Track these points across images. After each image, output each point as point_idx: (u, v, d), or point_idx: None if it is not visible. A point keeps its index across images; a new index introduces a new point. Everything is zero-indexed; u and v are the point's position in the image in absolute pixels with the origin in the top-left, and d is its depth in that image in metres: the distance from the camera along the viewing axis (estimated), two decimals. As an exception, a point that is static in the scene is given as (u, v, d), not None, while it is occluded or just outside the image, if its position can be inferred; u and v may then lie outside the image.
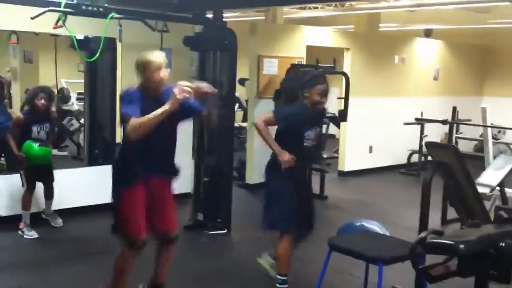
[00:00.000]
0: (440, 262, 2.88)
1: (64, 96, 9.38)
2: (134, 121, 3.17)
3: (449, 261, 2.84)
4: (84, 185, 6.06)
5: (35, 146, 5.28)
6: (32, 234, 5.33)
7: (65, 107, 9.21)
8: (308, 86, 4.14)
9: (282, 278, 4.14)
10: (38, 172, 5.44)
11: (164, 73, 3.39)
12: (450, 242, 2.37)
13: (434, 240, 2.42)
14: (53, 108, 5.72)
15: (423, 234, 2.54)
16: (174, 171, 3.66)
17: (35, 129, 5.41)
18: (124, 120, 3.26)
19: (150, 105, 3.25)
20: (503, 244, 2.37)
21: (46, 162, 5.48)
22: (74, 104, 9.51)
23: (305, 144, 4.13)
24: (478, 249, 2.38)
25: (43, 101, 5.38)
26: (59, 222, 5.67)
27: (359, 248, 3.35)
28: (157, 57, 3.42)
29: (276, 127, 4.19)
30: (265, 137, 4.09)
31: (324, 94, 4.11)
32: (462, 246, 2.31)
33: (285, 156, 3.95)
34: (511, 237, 2.43)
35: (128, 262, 3.53)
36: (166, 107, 3.19)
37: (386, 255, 3.23)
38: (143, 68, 3.38)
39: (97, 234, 5.32)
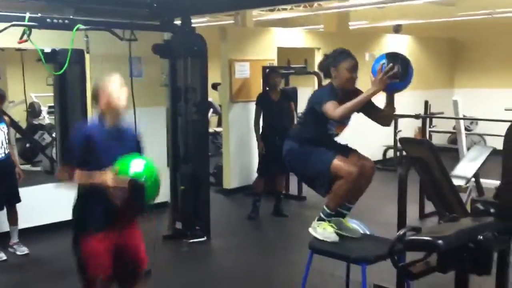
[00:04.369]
0: (420, 258, 2.89)
1: (34, 110, 9.23)
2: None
3: (428, 257, 2.85)
4: (58, 200, 5.95)
5: None
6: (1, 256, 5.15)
7: (36, 122, 9.06)
8: (334, 64, 3.66)
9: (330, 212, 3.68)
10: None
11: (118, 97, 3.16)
12: (428, 238, 2.37)
13: (412, 237, 2.42)
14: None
15: (401, 232, 2.54)
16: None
17: None
18: None
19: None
20: (481, 237, 2.37)
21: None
22: (45, 118, 9.36)
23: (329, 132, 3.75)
24: (457, 243, 2.38)
25: None
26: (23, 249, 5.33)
27: (341, 249, 3.34)
28: (111, 81, 3.21)
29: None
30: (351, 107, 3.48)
31: (354, 69, 3.62)
32: (440, 241, 2.30)
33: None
34: (489, 230, 2.45)
35: None
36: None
37: (369, 255, 3.22)
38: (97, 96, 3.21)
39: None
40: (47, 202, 5.85)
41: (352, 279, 3.76)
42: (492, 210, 2.68)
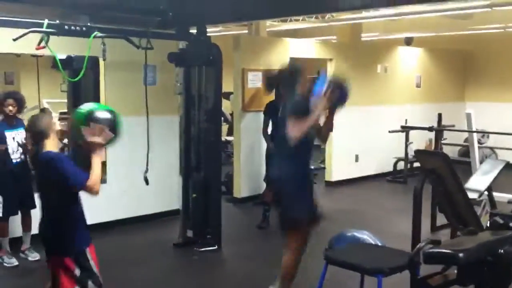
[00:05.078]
0: (438, 271, 2.87)
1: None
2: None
3: (447, 270, 2.83)
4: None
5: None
6: (13, 262, 5.14)
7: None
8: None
9: None
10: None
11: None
12: (449, 251, 2.37)
13: (433, 250, 2.41)
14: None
15: (421, 244, 2.53)
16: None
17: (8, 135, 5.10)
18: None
19: None
20: (502, 251, 2.37)
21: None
22: (57, 124, 9.38)
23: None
24: (477, 257, 2.37)
25: (10, 107, 5.09)
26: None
27: (357, 260, 3.32)
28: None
29: None
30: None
31: None
32: (461, 254, 2.30)
33: None
34: (509, 244, 2.44)
35: None
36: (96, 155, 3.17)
37: (385, 267, 3.20)
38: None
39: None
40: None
41: (366, 291, 3.74)
42: (511, 224, 2.66)
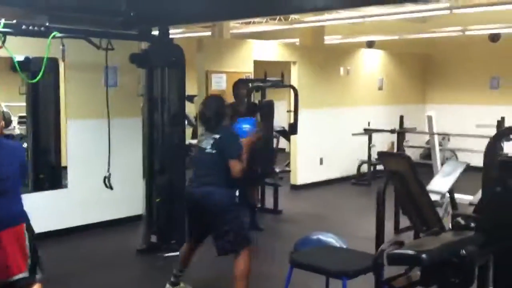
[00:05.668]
0: (402, 273, 2.88)
1: (5, 120, 8.99)
2: None
3: (410, 271, 2.85)
4: (29, 212, 5.80)
5: None
6: None
7: (6, 132, 8.84)
8: None
9: None
10: None
11: None
12: (412, 252, 2.37)
13: (396, 251, 2.41)
14: None
15: (384, 246, 2.53)
16: None
17: None
18: None
19: None
20: (464, 252, 2.38)
21: None
22: (16, 128, 9.16)
23: None
24: (440, 257, 2.38)
25: None
26: None
27: (322, 263, 3.31)
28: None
29: None
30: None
31: None
32: (424, 255, 2.30)
33: None
34: (471, 244, 2.45)
35: None
36: None
37: (350, 269, 3.20)
38: None
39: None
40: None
41: (330, 293, 3.73)
42: (473, 225, 2.69)
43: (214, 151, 4.10)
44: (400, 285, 2.68)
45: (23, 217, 3.25)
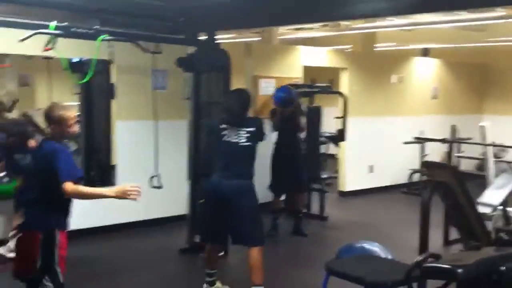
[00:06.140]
0: (439, 286, 2.77)
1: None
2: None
3: (448, 285, 2.74)
4: (80, 209, 5.96)
5: None
6: None
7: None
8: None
9: None
10: None
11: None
12: (447, 266, 2.28)
13: (431, 264, 2.33)
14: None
15: (419, 258, 2.44)
16: None
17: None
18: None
19: None
20: (504, 268, 2.27)
21: None
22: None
23: None
24: (478, 273, 2.28)
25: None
26: None
27: (357, 272, 3.23)
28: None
29: None
30: None
31: None
32: (460, 270, 2.21)
33: None
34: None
35: None
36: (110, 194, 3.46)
37: (386, 280, 3.10)
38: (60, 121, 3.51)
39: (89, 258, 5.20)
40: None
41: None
42: (517, 240, 2.57)
43: (249, 143, 4.17)
44: (436, 299, 2.58)
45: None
